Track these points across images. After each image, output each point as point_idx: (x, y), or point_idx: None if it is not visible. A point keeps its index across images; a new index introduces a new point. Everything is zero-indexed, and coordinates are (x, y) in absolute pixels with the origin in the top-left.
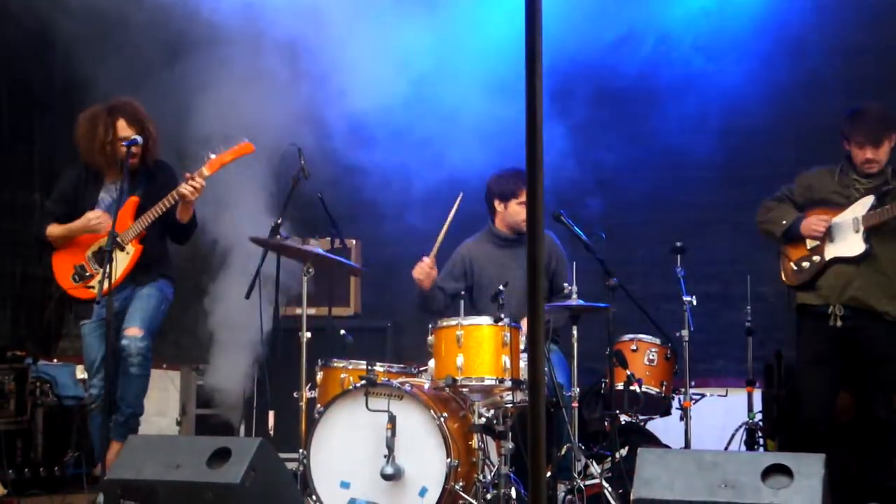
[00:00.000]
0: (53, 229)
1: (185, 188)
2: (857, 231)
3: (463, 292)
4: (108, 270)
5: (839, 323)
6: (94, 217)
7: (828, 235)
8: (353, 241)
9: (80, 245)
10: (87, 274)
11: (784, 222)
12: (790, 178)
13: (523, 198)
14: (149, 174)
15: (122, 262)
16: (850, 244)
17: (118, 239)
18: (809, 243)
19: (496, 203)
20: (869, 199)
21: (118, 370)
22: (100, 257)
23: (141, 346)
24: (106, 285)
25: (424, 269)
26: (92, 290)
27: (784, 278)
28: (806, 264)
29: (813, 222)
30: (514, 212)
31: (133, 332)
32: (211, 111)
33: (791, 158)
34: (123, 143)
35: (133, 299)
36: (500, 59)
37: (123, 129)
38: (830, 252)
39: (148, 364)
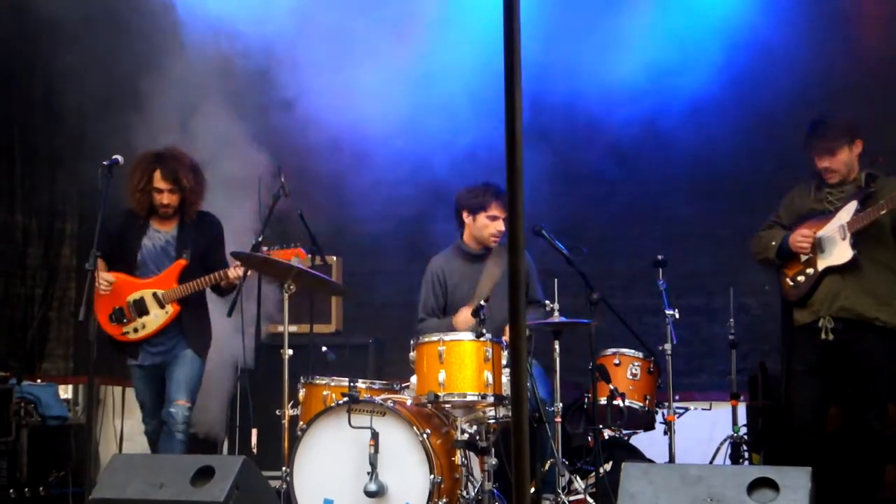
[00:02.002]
0: (100, 265)
1: (233, 274)
2: (843, 238)
3: (483, 302)
4: (89, 292)
5: (830, 336)
6: (105, 285)
7: (818, 247)
8: (334, 258)
9: (122, 290)
10: (125, 319)
11: (774, 243)
12: (769, 190)
13: (492, 211)
14: (195, 227)
15: (160, 318)
16: (838, 252)
17: (160, 296)
18: (802, 257)
19: (465, 216)
20: (853, 205)
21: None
22: (139, 307)
23: (187, 415)
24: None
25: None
26: (126, 336)
27: (784, 295)
28: (801, 278)
29: (797, 238)
30: (482, 225)
31: (181, 403)
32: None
33: (770, 169)
34: (104, 163)
35: (178, 360)
36: (481, 75)
37: (158, 180)
38: (822, 263)
39: (188, 429)
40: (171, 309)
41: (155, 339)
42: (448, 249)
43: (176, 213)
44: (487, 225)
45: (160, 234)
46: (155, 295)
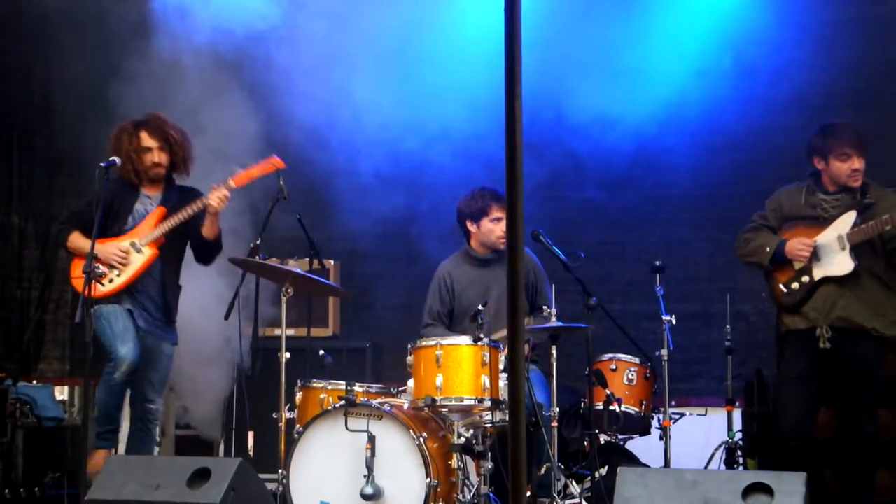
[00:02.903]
0: (76, 240)
1: (212, 198)
2: (843, 249)
3: (481, 307)
4: (88, 292)
5: (828, 345)
6: (118, 255)
7: (813, 255)
8: (332, 262)
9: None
10: (100, 271)
11: (767, 250)
12: (767, 198)
13: (494, 214)
14: (180, 192)
15: (137, 262)
16: (838, 263)
17: (137, 244)
18: (796, 264)
19: (468, 224)
20: (851, 216)
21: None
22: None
23: (161, 410)
24: (99, 285)
25: None
26: (102, 289)
27: (774, 300)
28: (795, 285)
29: (797, 246)
30: (487, 230)
31: (159, 399)
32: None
33: (769, 176)
34: (101, 164)
35: (160, 355)
36: (482, 78)
37: (146, 139)
38: (819, 272)
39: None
40: (148, 251)
41: (142, 301)
42: (456, 255)
43: (163, 178)
44: (493, 229)
45: (150, 198)
46: (133, 244)
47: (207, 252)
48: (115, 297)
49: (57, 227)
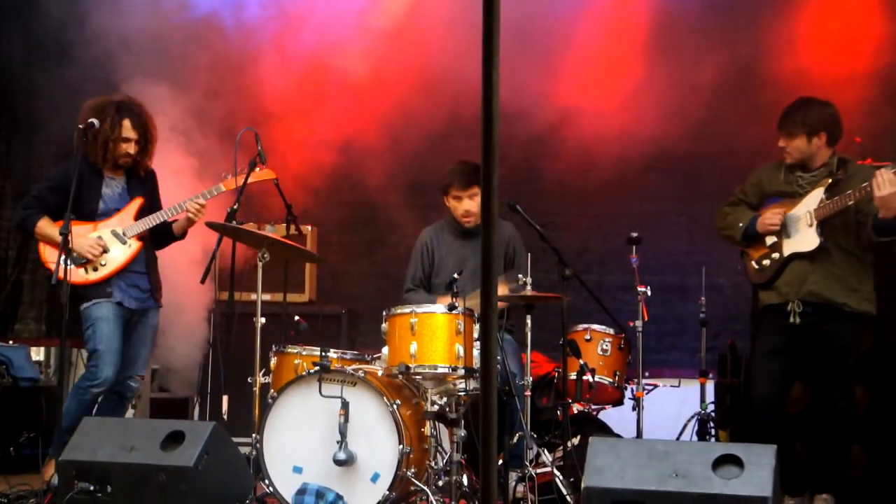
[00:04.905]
0: (45, 227)
1: (192, 206)
2: (810, 225)
3: (456, 275)
4: (63, 257)
5: (798, 320)
6: (94, 249)
7: (784, 231)
8: (309, 228)
9: (76, 234)
10: (83, 259)
11: (741, 224)
12: (747, 171)
13: (454, 192)
14: (142, 180)
15: (124, 254)
16: (805, 239)
17: (119, 232)
18: (768, 240)
19: (443, 197)
20: (819, 192)
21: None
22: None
23: (140, 386)
24: (61, 273)
25: None
26: (86, 278)
27: (749, 278)
28: (767, 262)
29: (767, 217)
30: (451, 206)
31: (141, 377)
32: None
33: (749, 150)
34: (80, 126)
35: (146, 328)
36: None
37: (128, 129)
38: (788, 248)
39: None
40: (134, 244)
41: (130, 278)
42: (440, 222)
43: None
44: (455, 206)
45: (115, 180)
46: (114, 232)
47: (167, 243)
48: (102, 288)
49: (21, 213)
